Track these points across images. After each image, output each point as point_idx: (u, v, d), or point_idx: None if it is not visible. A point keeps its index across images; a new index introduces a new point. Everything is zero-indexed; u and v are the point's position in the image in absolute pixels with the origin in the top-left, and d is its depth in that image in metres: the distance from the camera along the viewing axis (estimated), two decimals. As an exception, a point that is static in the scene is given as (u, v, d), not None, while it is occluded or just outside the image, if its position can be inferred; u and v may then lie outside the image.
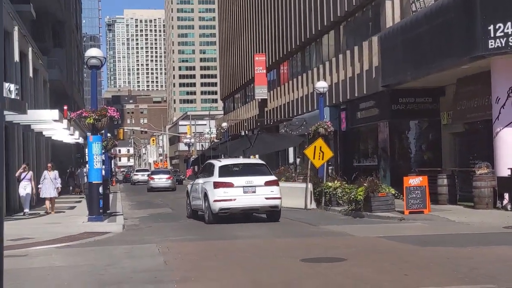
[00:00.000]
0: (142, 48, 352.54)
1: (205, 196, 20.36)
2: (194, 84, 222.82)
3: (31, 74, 32.17)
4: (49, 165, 25.56)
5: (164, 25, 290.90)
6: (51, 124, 28.06)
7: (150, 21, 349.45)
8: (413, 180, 20.54)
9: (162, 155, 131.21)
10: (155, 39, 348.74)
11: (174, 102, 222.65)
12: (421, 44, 24.72)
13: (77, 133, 40.62)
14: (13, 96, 20.48)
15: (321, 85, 29.26)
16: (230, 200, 19.68)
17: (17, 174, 24.11)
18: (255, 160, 29.20)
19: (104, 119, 20.53)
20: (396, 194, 21.37)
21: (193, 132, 78.56)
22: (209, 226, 19.47)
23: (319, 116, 28.93)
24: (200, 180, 21.60)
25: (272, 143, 34.59)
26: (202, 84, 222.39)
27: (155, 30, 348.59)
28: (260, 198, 19.89)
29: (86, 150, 66.58)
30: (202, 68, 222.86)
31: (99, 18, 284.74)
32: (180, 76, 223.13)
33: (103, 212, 21.50)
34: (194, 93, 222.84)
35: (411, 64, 25.89)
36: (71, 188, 41.81)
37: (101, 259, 12.93)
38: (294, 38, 47.56)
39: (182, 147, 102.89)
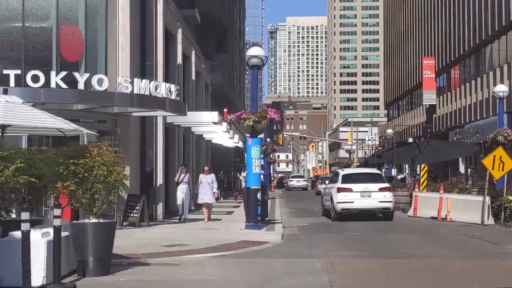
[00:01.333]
0: (303, 54, 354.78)
1: (331, 198, 24.71)
2: (355, 91, 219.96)
3: (193, 77, 32.01)
4: (205, 168, 23.64)
5: (325, 31, 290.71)
6: (211, 126, 27.59)
7: (312, 27, 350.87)
8: None
9: (322, 162, 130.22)
10: (316, 46, 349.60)
11: (334, 109, 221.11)
12: None
13: (236, 136, 40.27)
14: (173, 97, 19.89)
15: (501, 89, 26.55)
16: (350, 202, 24.01)
17: (176, 179, 23.01)
18: (372, 170, 31.74)
19: (264, 121, 19.39)
20: None
21: (354, 139, 76.73)
22: (377, 241, 17.70)
23: (496, 123, 26.23)
24: (329, 185, 26.24)
25: (443, 151, 32.02)
26: (364, 91, 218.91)
27: (317, 37, 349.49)
28: (375, 201, 24.07)
29: (245, 154, 67.31)
30: (363, 74, 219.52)
31: (262, 26, 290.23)
32: (341, 83, 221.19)
33: (261, 220, 20.35)
34: (355, 99, 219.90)
35: None
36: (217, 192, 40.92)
37: (258, 274, 11.65)
38: (467, 40, 44.42)
39: (342, 154, 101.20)
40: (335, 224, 23.99)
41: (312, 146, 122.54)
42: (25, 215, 9.44)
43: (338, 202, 24.01)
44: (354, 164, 75.66)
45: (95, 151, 11.13)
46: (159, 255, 13.77)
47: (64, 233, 11.16)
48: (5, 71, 17.08)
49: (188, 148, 30.89)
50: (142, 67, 21.80)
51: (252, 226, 19.22)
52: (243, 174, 37.65)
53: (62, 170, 10.83)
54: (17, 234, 10.23)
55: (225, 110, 31.38)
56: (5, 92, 11.21)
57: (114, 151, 11.53)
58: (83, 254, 11.16)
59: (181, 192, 22.36)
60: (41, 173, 11.20)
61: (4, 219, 10.74)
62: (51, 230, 10.34)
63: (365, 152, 78.26)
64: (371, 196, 23.99)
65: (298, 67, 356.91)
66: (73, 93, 17.41)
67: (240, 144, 48.80)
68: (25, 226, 9.43)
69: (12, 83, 16.61)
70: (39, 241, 10.30)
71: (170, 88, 19.66)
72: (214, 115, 25.23)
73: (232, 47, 60.24)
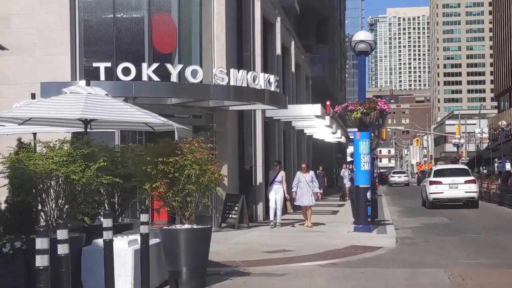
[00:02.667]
0: (404, 46, 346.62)
1: (426, 190, 29.79)
2: (460, 82, 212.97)
3: (293, 69, 30.43)
4: (303, 165, 20.24)
5: (427, 22, 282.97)
6: (312, 120, 25.93)
7: (413, 18, 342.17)
8: None
9: (427, 156, 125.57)
10: (418, 37, 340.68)
11: (438, 101, 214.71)
12: None
13: (339, 132, 38.41)
14: (272, 89, 18.38)
15: None
16: (440, 193, 28.74)
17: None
18: (460, 166, 38.64)
19: (373, 113, 17.57)
20: None
21: (462, 132, 72.87)
22: (509, 246, 15.59)
23: None
24: (424, 180, 32.10)
25: None
26: (469, 82, 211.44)
27: (418, 28, 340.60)
28: (461, 191, 28.62)
29: (347, 150, 65.13)
30: (468, 65, 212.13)
31: (361, 18, 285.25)
32: (445, 74, 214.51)
33: (371, 221, 18.55)
34: (460, 91, 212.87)
35: None
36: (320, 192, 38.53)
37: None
38: None
39: (449, 148, 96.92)
40: (450, 225, 21.87)
41: (417, 140, 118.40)
42: (107, 222, 8.18)
43: (430, 193, 29.06)
44: (462, 158, 71.85)
45: (186, 148, 9.76)
46: (260, 263, 12.31)
47: (154, 240, 9.89)
48: (95, 64, 16.09)
49: (289, 144, 29.34)
50: (239, 58, 20.45)
51: (362, 229, 17.49)
52: (343, 170, 35.65)
53: (150, 169, 9.53)
54: (102, 242, 9.08)
55: (328, 102, 29.55)
56: (88, 83, 10.04)
57: (208, 148, 10.13)
58: (175, 264, 9.83)
59: (274, 193, 19.24)
60: (128, 172, 9.97)
61: (87, 225, 9.55)
62: (140, 237, 9.07)
63: (477, 145, 74.27)
64: (458, 187, 28.70)
65: (400, 59, 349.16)
66: (166, 86, 16.22)
67: (343, 140, 46.89)
68: (107, 235, 8.17)
69: (102, 76, 15.60)
70: (126, 250, 9.05)
71: (269, 79, 18.16)
72: (316, 108, 23.52)
73: (333, 38, 58.14)
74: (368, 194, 17.86)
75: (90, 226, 9.89)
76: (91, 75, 16.21)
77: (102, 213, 11.05)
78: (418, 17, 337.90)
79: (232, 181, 19.41)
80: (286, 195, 19.18)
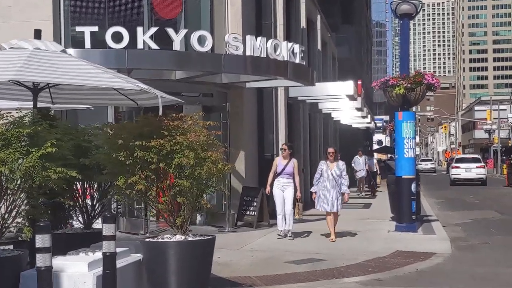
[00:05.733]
0: (429, 33, 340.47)
1: (450, 172, 42.15)
2: (486, 68, 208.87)
3: (319, 46, 27.32)
4: (330, 150, 13.71)
5: (452, 7, 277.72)
6: (341, 102, 22.80)
7: (438, 4, 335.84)
8: None
9: (455, 143, 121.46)
10: (443, 23, 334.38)
11: (464, 88, 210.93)
12: None
13: (369, 116, 35.25)
14: (297, 61, 15.30)
15: None
16: (458, 174, 40.14)
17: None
18: (473, 155, 52.28)
19: (419, 88, 14.56)
20: None
21: (494, 118, 69.14)
22: None
23: None
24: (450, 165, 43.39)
25: None
26: (495, 68, 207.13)
27: (443, 14, 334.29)
28: (473, 173, 39.90)
29: (373, 137, 61.82)
30: (495, 50, 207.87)
31: (385, 3, 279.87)
32: (471, 60, 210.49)
33: (416, 218, 15.53)
34: (486, 77, 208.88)
35: None
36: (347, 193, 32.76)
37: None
38: None
39: (478, 134, 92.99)
40: (505, 220, 18.75)
41: (445, 127, 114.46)
42: (42, 240, 5.25)
43: (452, 174, 40.86)
44: (494, 145, 68.24)
45: (176, 127, 6.84)
46: (282, 279, 9.37)
47: (133, 257, 7.02)
48: (78, 29, 13.22)
49: (314, 130, 26.22)
50: (257, 28, 17.42)
51: (405, 228, 14.54)
52: (356, 158, 30.04)
53: (123, 157, 6.62)
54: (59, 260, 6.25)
55: (359, 82, 26.35)
56: (38, 36, 7.11)
57: (209, 127, 7.21)
58: (163, 284, 6.96)
59: (281, 190, 13.49)
60: (92, 163, 7.07)
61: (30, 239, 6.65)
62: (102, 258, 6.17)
63: (509, 131, 70.52)
64: (471, 171, 39.95)
65: (424, 46, 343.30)
66: (168, 55, 13.23)
67: (372, 125, 43.73)
68: (42, 259, 5.24)
69: (87, 43, 12.65)
70: (84, 276, 6.15)
71: (293, 48, 15.07)
72: (348, 86, 20.29)
73: (359, 19, 54.86)
74: (413, 186, 14.86)
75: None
76: (78, 44, 13.35)
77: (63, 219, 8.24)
78: (443, 2, 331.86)
79: (250, 172, 16.51)
80: (298, 194, 13.60)
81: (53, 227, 8.39)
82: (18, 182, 6.23)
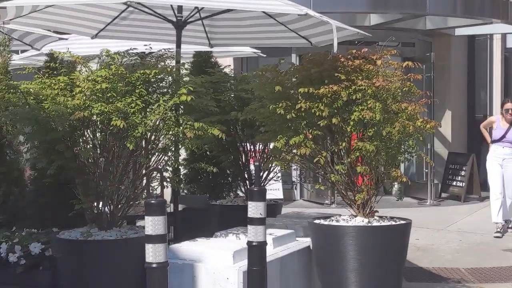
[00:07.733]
0: None
1: None
2: None
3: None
4: None
5: None
6: None
7: None
8: None
9: None
10: None
11: None
12: None
13: None
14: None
15: None
16: None
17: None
18: None
19: None
20: None
21: None
22: None
23: None
24: None
25: None
26: None
27: None
28: None
29: None
30: None
31: None
32: None
33: None
34: None
35: None
36: None
37: None
38: None
39: None
40: None
41: None
42: (152, 225, 3.64)
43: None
44: None
45: (358, 68, 4.92)
46: (503, 276, 7.15)
47: (299, 243, 5.32)
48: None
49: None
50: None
51: None
52: None
53: (282, 110, 4.85)
54: (199, 245, 4.73)
55: None
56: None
57: (404, 70, 5.23)
58: (339, 284, 5.17)
59: (497, 163, 9.17)
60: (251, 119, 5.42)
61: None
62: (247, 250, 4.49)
63: None
64: None
65: None
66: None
67: None
68: (152, 252, 3.65)
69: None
70: (228, 270, 4.53)
71: (515, -16, 12.38)
72: None
73: None
74: None
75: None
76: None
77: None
78: None
79: (458, 135, 14.35)
80: None
81: (210, 196, 7.00)
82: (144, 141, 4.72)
